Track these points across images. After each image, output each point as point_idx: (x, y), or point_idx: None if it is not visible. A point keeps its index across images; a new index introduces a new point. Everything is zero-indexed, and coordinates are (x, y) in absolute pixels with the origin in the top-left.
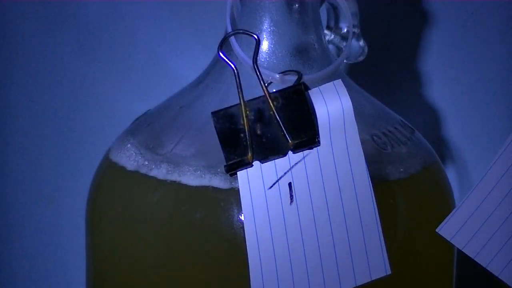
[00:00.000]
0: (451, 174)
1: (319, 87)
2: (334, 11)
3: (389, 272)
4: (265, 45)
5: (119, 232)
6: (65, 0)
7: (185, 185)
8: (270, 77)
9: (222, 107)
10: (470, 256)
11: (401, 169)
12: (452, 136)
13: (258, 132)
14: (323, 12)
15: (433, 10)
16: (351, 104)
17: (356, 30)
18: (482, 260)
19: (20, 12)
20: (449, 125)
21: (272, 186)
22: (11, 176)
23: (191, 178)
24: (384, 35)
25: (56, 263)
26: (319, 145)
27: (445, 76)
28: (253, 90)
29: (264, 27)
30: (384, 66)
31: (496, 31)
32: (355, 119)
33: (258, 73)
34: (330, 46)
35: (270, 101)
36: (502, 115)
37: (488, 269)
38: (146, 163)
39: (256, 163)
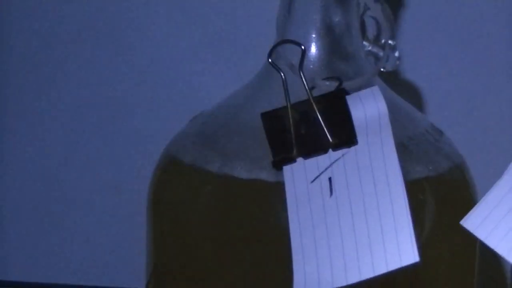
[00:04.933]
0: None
1: (358, 92)
2: (373, 23)
3: (417, 259)
4: (310, 53)
5: (178, 223)
6: None
7: (236, 178)
8: (314, 83)
9: (271, 109)
10: (491, 246)
11: (430, 168)
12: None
13: (302, 131)
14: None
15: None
16: (387, 109)
17: (392, 42)
18: (501, 251)
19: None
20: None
21: (314, 180)
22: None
23: (242, 172)
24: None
25: (117, 256)
26: (357, 145)
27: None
28: (298, 94)
29: (310, 37)
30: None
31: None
32: (390, 123)
33: (304, 79)
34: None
35: (313, 104)
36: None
37: (507, 259)
38: (202, 157)
39: (300, 159)
